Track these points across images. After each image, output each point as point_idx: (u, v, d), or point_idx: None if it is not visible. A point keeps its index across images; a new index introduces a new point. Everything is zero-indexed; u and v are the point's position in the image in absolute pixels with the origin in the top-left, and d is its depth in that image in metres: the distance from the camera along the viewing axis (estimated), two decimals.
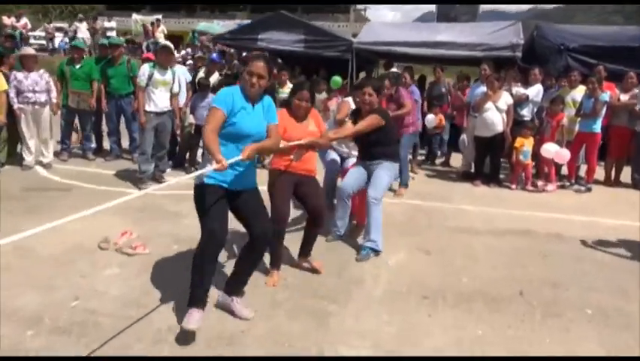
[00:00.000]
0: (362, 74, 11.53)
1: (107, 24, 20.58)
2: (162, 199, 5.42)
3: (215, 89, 7.31)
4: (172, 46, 6.24)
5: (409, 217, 5.39)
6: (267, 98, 3.13)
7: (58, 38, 20.57)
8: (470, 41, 9.16)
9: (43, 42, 20.41)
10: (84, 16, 20.84)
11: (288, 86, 7.72)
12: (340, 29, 22.93)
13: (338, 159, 5.23)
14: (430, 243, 4.57)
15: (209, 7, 36.26)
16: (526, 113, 7.15)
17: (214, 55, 7.94)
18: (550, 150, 6.67)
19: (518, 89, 7.20)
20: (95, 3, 34.45)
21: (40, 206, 5.11)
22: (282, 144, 3.42)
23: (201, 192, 2.92)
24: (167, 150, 6.58)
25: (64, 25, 20.59)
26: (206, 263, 2.87)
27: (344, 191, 4.44)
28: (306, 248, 3.89)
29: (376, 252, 4.21)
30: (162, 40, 19.95)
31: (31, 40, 18.67)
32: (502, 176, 7.26)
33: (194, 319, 2.79)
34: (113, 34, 20.41)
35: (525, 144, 6.83)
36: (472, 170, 7.32)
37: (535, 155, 7.03)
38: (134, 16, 26.54)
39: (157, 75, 5.99)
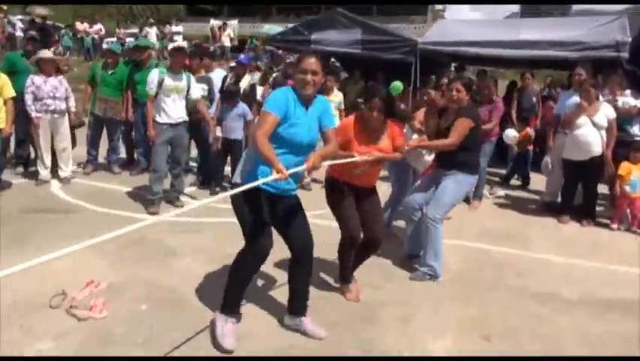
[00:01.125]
0: (433, 78, 10.18)
1: (174, 28, 20.59)
2: (163, 230, 4.51)
3: (247, 96, 6.37)
4: (185, 47, 5.39)
5: (467, 270, 4.07)
6: (322, 99, 2.89)
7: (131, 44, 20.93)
8: (562, 39, 7.50)
9: None
10: (156, 20, 20.96)
11: (335, 94, 6.60)
12: (417, 31, 21.42)
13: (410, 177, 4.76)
14: (492, 319, 3.26)
15: (285, 11, 36.06)
16: (637, 130, 5.53)
17: (242, 56, 6.99)
18: None
19: (626, 100, 5.58)
20: (170, 3, 35.34)
21: (31, 232, 4.39)
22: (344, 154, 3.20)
23: (243, 196, 2.68)
24: (183, 167, 5.71)
25: (136, 30, 20.82)
26: (248, 278, 2.89)
27: (410, 206, 4.05)
28: (349, 271, 3.54)
29: (433, 277, 3.79)
30: (228, 44, 19.88)
31: (104, 46, 18.99)
32: (599, 209, 5.67)
33: (230, 334, 2.80)
34: (180, 38, 20.46)
35: (634, 171, 5.22)
36: (559, 201, 5.80)
37: None
38: (212, 21, 26.71)
39: (168, 81, 5.14)
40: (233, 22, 24.83)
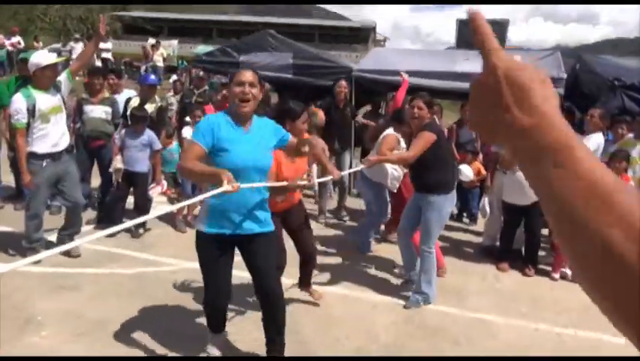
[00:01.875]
0: (365, 109, 9.74)
1: (102, 45, 19.28)
2: (29, 286, 3.59)
3: (154, 123, 5.55)
4: (56, 58, 4.52)
5: (393, 337, 3.43)
6: (265, 119, 2.81)
7: None
8: None
9: None
10: (80, 36, 19.61)
11: None
12: (357, 59, 21.35)
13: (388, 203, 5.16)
14: None
15: (227, 34, 35.42)
16: None
17: (150, 76, 6.07)
18: None
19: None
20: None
21: None
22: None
23: (201, 242, 2.66)
24: (80, 202, 4.65)
25: (58, 45, 19.38)
26: (218, 315, 2.86)
27: (402, 235, 4.27)
28: (305, 280, 3.84)
29: (426, 302, 3.94)
30: (160, 64, 18.87)
31: None
32: (541, 253, 5.22)
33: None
34: (108, 55, 19.24)
35: None
36: (497, 245, 5.34)
37: None
38: (150, 40, 25.57)
39: (42, 102, 4.15)
40: (173, 42, 23.90)
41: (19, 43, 18.11)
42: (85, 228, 5.24)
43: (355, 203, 6.88)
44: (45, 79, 4.14)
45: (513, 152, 0.52)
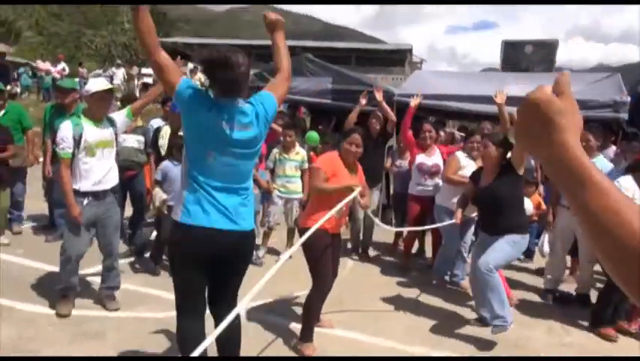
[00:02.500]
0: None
1: (144, 70, 19.70)
2: (51, 334, 3.30)
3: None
4: (109, 84, 3.92)
5: None
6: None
7: None
8: None
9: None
10: (121, 62, 20.06)
11: (297, 152, 5.61)
12: (394, 82, 21.03)
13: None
14: None
15: (265, 58, 35.83)
16: None
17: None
18: None
19: None
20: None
21: None
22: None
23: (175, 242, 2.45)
24: (116, 256, 4.08)
25: (100, 70, 19.89)
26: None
27: (483, 268, 3.80)
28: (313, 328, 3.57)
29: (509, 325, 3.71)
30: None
31: None
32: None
33: None
34: (150, 80, 19.55)
35: None
36: (567, 291, 4.76)
37: None
38: (189, 65, 26.00)
39: (90, 134, 3.69)
40: None
41: (64, 70, 18.62)
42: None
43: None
44: (94, 107, 3.75)
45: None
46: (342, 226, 3.63)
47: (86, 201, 3.70)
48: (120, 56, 33.58)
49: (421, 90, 7.85)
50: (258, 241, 5.97)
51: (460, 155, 4.99)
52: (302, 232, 3.34)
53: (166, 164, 4.77)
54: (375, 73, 25.82)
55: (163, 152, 5.17)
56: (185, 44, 39.16)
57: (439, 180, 5.28)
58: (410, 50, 35.38)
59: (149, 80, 19.46)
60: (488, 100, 7.24)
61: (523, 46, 10.89)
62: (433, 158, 5.49)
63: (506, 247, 3.81)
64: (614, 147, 6.54)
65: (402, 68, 33.79)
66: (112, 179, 3.84)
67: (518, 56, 10.83)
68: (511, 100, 7.22)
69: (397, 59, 35.13)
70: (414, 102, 5.97)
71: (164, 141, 5.26)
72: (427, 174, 5.44)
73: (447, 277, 5.18)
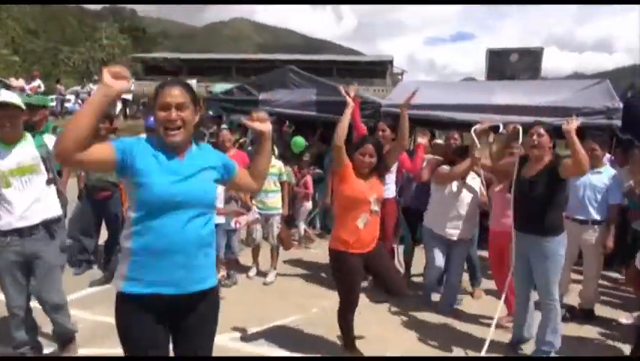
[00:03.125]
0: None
1: None
2: None
3: None
4: (14, 100, 3.01)
5: None
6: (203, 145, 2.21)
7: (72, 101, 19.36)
8: (549, 104, 6.55)
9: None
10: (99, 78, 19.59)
11: (273, 164, 5.30)
12: (377, 94, 20.93)
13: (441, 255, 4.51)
14: None
15: (246, 71, 35.63)
16: None
17: (149, 119, 5.40)
18: None
19: None
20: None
21: None
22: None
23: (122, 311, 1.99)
24: (59, 305, 3.33)
25: (78, 87, 19.41)
26: None
27: (521, 299, 3.79)
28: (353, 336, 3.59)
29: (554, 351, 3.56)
30: None
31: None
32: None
33: None
34: (129, 97, 19.17)
35: None
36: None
37: None
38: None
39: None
40: (192, 82, 23.93)
41: (39, 87, 18.09)
42: (92, 290, 4.67)
43: None
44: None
45: None
46: (371, 241, 3.43)
47: (8, 240, 3.03)
48: (99, 72, 33.12)
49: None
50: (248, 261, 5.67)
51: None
52: (331, 253, 3.42)
53: None
54: (364, 85, 25.74)
55: None
56: (165, 59, 38.85)
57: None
58: (391, 62, 35.57)
59: (129, 97, 19.08)
60: (475, 109, 7.09)
61: (509, 54, 10.83)
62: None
63: (549, 269, 3.49)
64: (607, 155, 6.39)
65: (383, 79, 33.91)
66: (40, 211, 3.11)
67: (503, 65, 10.76)
68: (498, 109, 7.13)
69: (379, 70, 35.30)
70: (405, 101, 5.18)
71: None
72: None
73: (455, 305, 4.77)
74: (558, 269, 3.52)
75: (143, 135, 6.13)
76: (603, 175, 4.28)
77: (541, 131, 3.56)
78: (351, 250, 3.33)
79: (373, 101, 7.81)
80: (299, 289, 5.07)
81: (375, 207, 3.36)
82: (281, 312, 4.31)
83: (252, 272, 5.50)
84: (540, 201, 3.44)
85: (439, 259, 4.45)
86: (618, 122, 6.18)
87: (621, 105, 6.24)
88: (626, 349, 3.92)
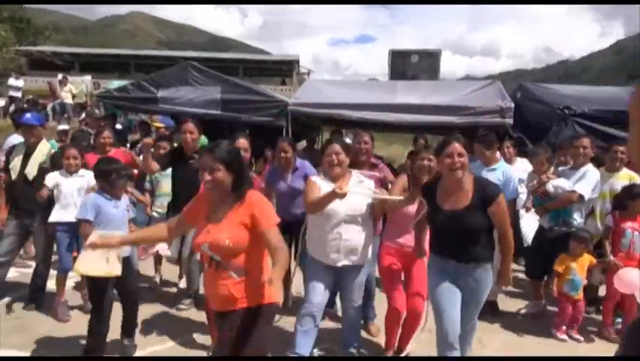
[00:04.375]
0: (303, 144, 9.02)
1: (12, 82, 17.29)
2: None
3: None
4: None
5: None
6: None
7: None
8: (446, 103, 6.81)
9: None
10: None
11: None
12: (284, 93, 20.80)
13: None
14: None
15: (145, 68, 33.77)
16: (578, 218, 4.49)
17: (24, 115, 4.63)
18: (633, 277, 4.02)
19: (558, 184, 4.48)
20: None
21: None
22: None
23: None
24: None
25: None
26: None
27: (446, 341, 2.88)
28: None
29: None
30: (69, 100, 17.18)
31: None
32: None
33: None
34: (19, 94, 17.36)
35: (573, 268, 4.14)
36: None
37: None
38: (60, 76, 23.51)
39: None
40: (86, 78, 22.25)
41: None
42: None
43: None
44: None
45: None
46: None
47: None
48: None
49: (314, 99, 7.64)
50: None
51: (317, 178, 3.41)
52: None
53: (95, 197, 3.39)
54: (264, 84, 25.53)
55: (14, 175, 4.25)
56: (54, 53, 35.78)
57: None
58: (297, 61, 35.61)
59: (18, 94, 17.26)
60: (380, 108, 7.22)
61: (410, 55, 11.23)
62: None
63: (484, 294, 3.00)
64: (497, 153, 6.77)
65: (290, 78, 33.87)
66: None
67: (405, 65, 11.13)
68: (400, 108, 7.31)
69: (285, 69, 35.18)
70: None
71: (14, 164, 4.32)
72: None
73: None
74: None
75: (16, 135, 5.53)
76: (498, 171, 4.42)
77: (460, 148, 2.85)
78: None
79: (279, 98, 7.66)
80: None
81: (215, 257, 2.38)
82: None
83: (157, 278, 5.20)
84: (477, 234, 2.89)
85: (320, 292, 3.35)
86: (510, 121, 6.59)
87: (512, 105, 6.65)
88: (529, 340, 4.14)
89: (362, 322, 3.87)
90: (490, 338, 4.11)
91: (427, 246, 3.28)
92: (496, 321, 4.48)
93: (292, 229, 4.00)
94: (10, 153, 4.37)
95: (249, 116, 7.36)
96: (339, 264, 3.27)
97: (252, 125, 7.47)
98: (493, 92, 7.22)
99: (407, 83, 9.36)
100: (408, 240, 3.47)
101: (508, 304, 4.89)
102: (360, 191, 3.22)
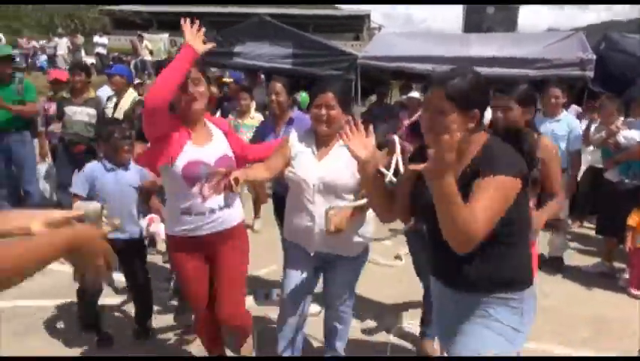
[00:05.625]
0: (372, 99, 9.06)
1: (98, 39, 18.48)
2: None
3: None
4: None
5: None
6: None
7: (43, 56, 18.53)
8: (521, 55, 6.59)
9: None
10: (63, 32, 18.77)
11: (252, 116, 5.20)
12: (355, 49, 20.56)
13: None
14: None
15: (218, 25, 34.47)
16: None
17: (114, 66, 5.01)
18: None
19: (629, 135, 4.34)
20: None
21: None
22: None
23: None
24: None
25: (43, 41, 18.56)
26: None
27: None
28: None
29: None
30: (148, 58, 18.08)
31: None
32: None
33: None
34: (104, 51, 18.51)
35: None
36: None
37: None
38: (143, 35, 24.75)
39: None
40: (163, 36, 23.16)
41: None
42: None
43: None
44: None
45: None
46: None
47: None
48: (62, 25, 31.65)
49: (384, 52, 7.62)
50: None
51: (296, 136, 2.54)
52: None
53: (92, 168, 3.00)
54: (336, 39, 25.35)
55: None
56: (134, 12, 37.30)
57: None
58: (368, 16, 34.84)
59: (104, 51, 18.37)
60: (452, 61, 7.08)
61: (485, 7, 10.72)
62: None
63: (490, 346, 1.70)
64: (575, 106, 6.50)
65: (360, 34, 33.32)
66: None
67: (481, 17, 10.68)
68: (473, 61, 7.13)
69: (356, 25, 34.57)
70: None
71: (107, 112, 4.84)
72: None
73: None
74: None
75: (105, 87, 5.99)
76: (562, 122, 4.31)
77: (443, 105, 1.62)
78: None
79: (348, 52, 7.73)
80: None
81: None
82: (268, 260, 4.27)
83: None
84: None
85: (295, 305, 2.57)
86: (591, 74, 6.28)
87: (594, 57, 6.32)
88: (598, 294, 4.12)
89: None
90: (553, 288, 4.13)
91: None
92: (560, 273, 4.49)
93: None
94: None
95: (319, 69, 7.51)
96: (313, 251, 2.46)
97: (321, 79, 7.62)
98: (574, 43, 6.87)
99: (482, 35, 9.04)
100: None
101: (575, 262, 4.84)
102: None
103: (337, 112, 2.37)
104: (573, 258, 4.88)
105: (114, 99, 4.87)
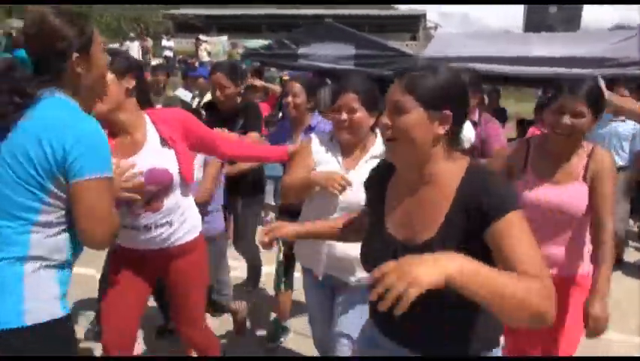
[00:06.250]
0: None
1: (165, 42, 19.60)
2: None
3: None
4: None
5: None
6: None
7: None
8: (583, 55, 6.56)
9: None
10: (134, 35, 19.93)
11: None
12: (411, 48, 20.58)
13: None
14: None
15: (275, 27, 35.35)
16: None
17: (199, 69, 5.42)
18: None
19: None
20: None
21: None
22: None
23: None
24: None
25: (116, 45, 19.78)
26: None
27: None
28: None
29: None
30: (207, 59, 18.94)
31: None
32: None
33: None
34: (170, 54, 19.55)
35: None
36: None
37: None
38: (201, 37, 25.91)
39: None
40: (222, 39, 24.11)
41: None
42: None
43: None
44: None
45: None
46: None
47: None
48: (129, 29, 33.44)
49: (443, 52, 7.75)
50: None
51: (318, 139, 2.33)
52: None
53: None
54: (393, 39, 25.45)
55: None
56: (195, 15, 38.81)
57: None
58: (424, 15, 34.67)
59: (170, 53, 19.39)
60: (513, 61, 7.13)
61: (547, 6, 10.56)
62: None
63: None
64: None
65: (417, 33, 33.20)
66: None
67: (542, 16, 10.53)
68: (534, 61, 7.14)
69: (411, 24, 34.47)
70: None
71: None
72: None
73: None
74: None
75: (181, 89, 6.44)
76: (628, 122, 4.35)
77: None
78: None
79: (410, 54, 7.94)
80: None
81: None
82: None
83: None
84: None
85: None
86: None
87: None
88: None
89: None
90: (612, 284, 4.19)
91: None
92: (616, 269, 4.52)
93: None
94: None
95: (380, 70, 7.75)
96: (321, 275, 2.23)
97: (383, 79, 7.87)
98: (634, 45, 6.75)
99: (544, 35, 8.95)
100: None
101: (633, 259, 4.87)
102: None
103: (361, 115, 2.06)
104: (631, 255, 4.91)
105: (197, 99, 5.33)
